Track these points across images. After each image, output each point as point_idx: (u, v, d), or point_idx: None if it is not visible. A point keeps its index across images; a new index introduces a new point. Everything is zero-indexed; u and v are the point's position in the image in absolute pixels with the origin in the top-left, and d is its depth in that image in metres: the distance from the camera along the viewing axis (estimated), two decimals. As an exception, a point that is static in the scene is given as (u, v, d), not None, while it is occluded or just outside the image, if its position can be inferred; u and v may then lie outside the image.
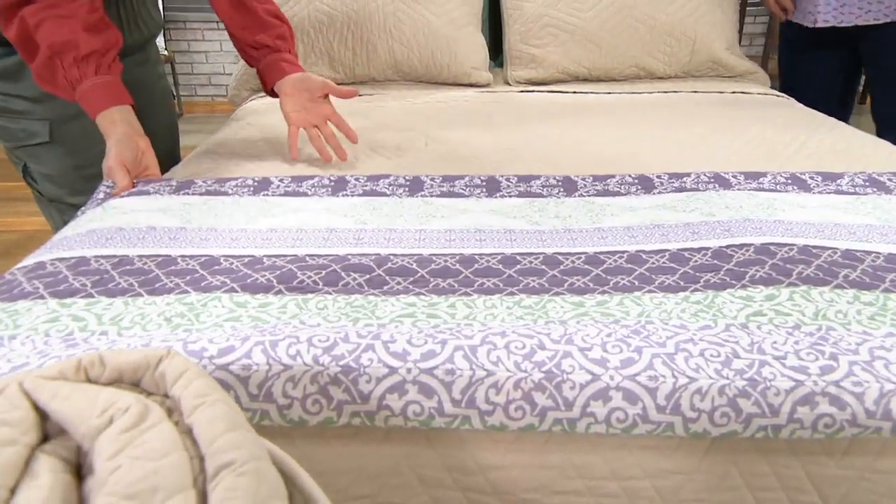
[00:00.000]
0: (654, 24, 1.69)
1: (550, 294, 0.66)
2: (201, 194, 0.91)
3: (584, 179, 0.95)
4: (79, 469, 0.35)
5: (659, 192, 0.90)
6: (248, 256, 0.74)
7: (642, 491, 0.55)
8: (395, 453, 0.55)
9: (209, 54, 4.22)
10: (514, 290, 0.67)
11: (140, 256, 0.73)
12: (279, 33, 1.15)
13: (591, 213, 0.84)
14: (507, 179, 0.95)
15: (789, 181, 0.91)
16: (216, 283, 0.67)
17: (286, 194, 0.91)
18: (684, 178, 0.93)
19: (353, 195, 0.91)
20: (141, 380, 0.39)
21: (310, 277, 0.68)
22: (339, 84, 1.74)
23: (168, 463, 0.32)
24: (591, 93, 1.63)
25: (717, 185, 0.90)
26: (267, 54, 1.15)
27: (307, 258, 0.73)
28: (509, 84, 1.76)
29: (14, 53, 1.00)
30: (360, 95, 1.63)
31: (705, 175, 0.93)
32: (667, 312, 0.62)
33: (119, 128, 0.92)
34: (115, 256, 0.73)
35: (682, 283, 0.67)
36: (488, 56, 1.77)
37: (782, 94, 1.59)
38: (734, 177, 0.92)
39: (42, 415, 0.36)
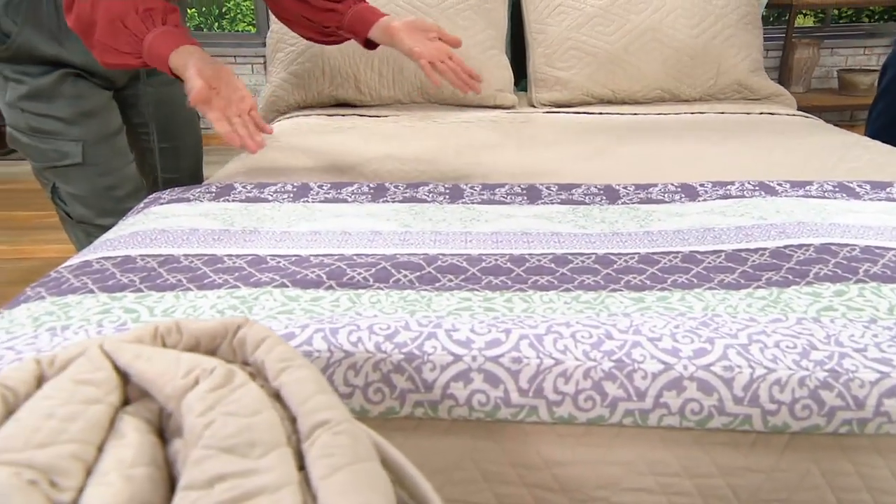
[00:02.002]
0: (678, 47, 1.70)
1: (608, 290, 0.64)
2: (241, 201, 0.90)
3: (625, 188, 0.94)
4: (161, 432, 0.33)
5: (704, 200, 0.88)
6: (295, 256, 0.73)
7: (717, 489, 0.52)
8: (458, 447, 0.53)
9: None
10: (570, 287, 0.65)
11: (186, 255, 0.72)
12: None
13: (638, 219, 0.83)
14: (548, 188, 0.94)
15: (837, 189, 0.89)
16: (265, 279, 0.66)
17: (326, 201, 0.90)
18: (728, 187, 0.92)
19: (393, 201, 0.90)
20: (218, 348, 0.38)
21: (360, 274, 0.67)
22: (364, 106, 1.76)
23: (261, 420, 0.30)
24: (617, 114, 1.63)
25: (763, 193, 0.89)
26: (350, 6, 1.13)
27: (354, 257, 0.72)
28: (534, 106, 1.77)
29: (48, 73, 1.00)
30: (386, 117, 1.64)
31: (750, 184, 0.92)
32: (732, 307, 0.60)
33: (196, 54, 0.86)
34: (160, 255, 0.72)
35: (742, 281, 0.65)
36: (513, 79, 1.78)
37: (811, 115, 1.58)
38: (779, 185, 0.91)
39: (123, 377, 0.34)
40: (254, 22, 4.32)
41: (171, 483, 0.30)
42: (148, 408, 0.33)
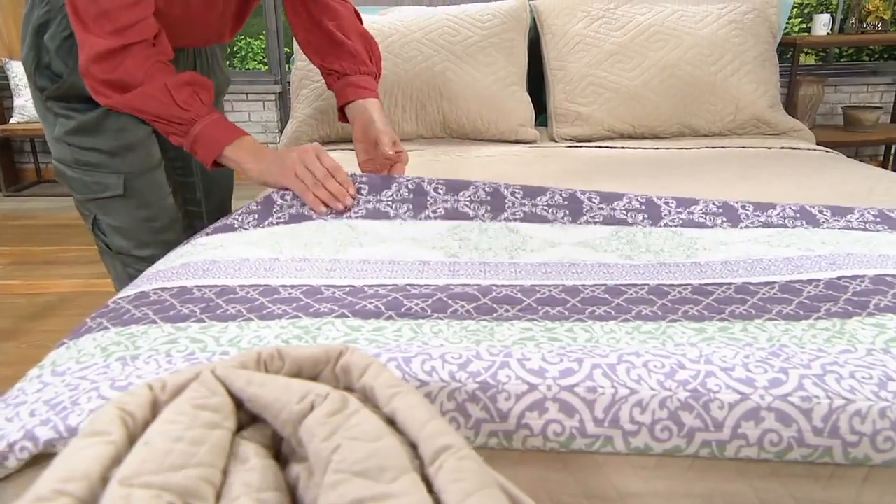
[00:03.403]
0: (697, 83, 1.73)
1: (667, 321, 0.64)
2: (286, 222, 0.90)
3: (667, 204, 0.94)
4: (276, 456, 0.33)
5: (746, 227, 0.89)
6: (348, 286, 0.73)
7: (796, 522, 0.52)
8: (531, 478, 0.53)
9: (237, 124, 4.33)
10: (628, 318, 0.65)
11: (241, 286, 0.72)
12: (349, 51, 1.18)
13: (683, 248, 0.83)
14: (590, 199, 0.94)
15: (878, 219, 0.90)
16: (324, 309, 0.66)
17: (368, 215, 0.91)
18: (769, 211, 0.92)
19: (435, 216, 0.90)
20: (320, 374, 0.37)
21: (417, 304, 0.67)
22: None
23: (385, 445, 0.30)
24: (639, 148, 1.65)
25: (804, 222, 0.89)
26: (337, 79, 1.18)
27: (408, 287, 0.72)
28: (555, 141, 1.79)
29: (94, 108, 1.01)
30: (410, 151, 1.65)
31: (791, 208, 0.92)
32: (797, 338, 0.60)
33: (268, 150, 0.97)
34: (216, 286, 0.72)
35: (801, 313, 0.65)
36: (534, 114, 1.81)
37: (831, 150, 1.60)
38: (821, 212, 0.92)
39: (236, 402, 0.34)
40: (265, 60, 4.39)
41: (293, 509, 0.30)
42: (262, 433, 0.33)
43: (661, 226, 0.89)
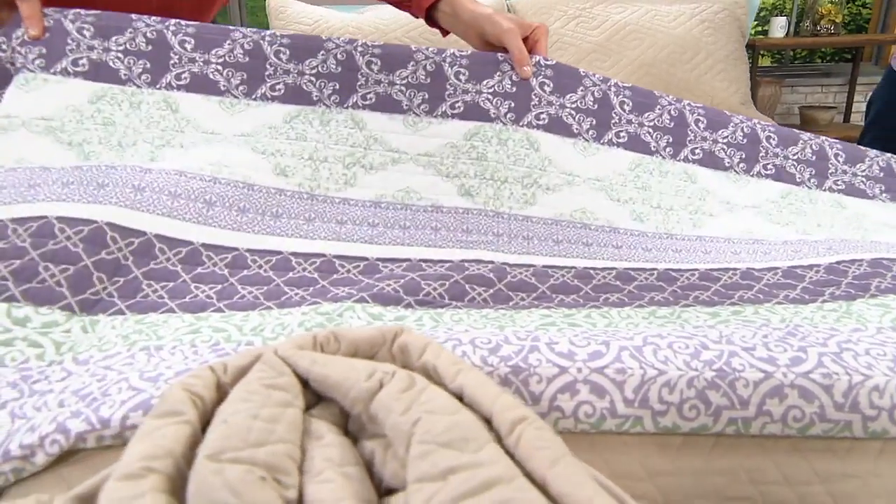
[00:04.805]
0: (672, 80, 1.76)
1: (680, 306, 0.66)
2: (84, 74, 0.75)
3: (697, 123, 0.92)
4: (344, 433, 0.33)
5: (759, 173, 0.90)
6: (362, 259, 0.73)
7: (818, 496, 0.53)
8: (562, 461, 0.53)
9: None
10: (642, 304, 0.66)
11: (250, 250, 0.70)
12: None
13: (691, 209, 0.85)
14: (622, 105, 0.91)
15: (882, 173, 0.93)
16: (342, 293, 0.65)
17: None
18: (790, 149, 0.94)
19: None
20: (376, 354, 0.37)
21: (435, 290, 0.67)
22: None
23: (463, 418, 0.30)
24: (619, 145, 1.68)
25: (813, 172, 0.92)
26: None
27: (422, 264, 0.72)
28: (535, 139, 1.81)
29: None
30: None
31: (812, 147, 0.94)
32: (808, 319, 0.62)
33: None
34: (225, 248, 0.70)
35: (807, 297, 0.67)
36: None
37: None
38: (836, 156, 0.94)
39: (302, 382, 0.34)
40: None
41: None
42: (331, 411, 0.33)
43: (680, 159, 0.89)
